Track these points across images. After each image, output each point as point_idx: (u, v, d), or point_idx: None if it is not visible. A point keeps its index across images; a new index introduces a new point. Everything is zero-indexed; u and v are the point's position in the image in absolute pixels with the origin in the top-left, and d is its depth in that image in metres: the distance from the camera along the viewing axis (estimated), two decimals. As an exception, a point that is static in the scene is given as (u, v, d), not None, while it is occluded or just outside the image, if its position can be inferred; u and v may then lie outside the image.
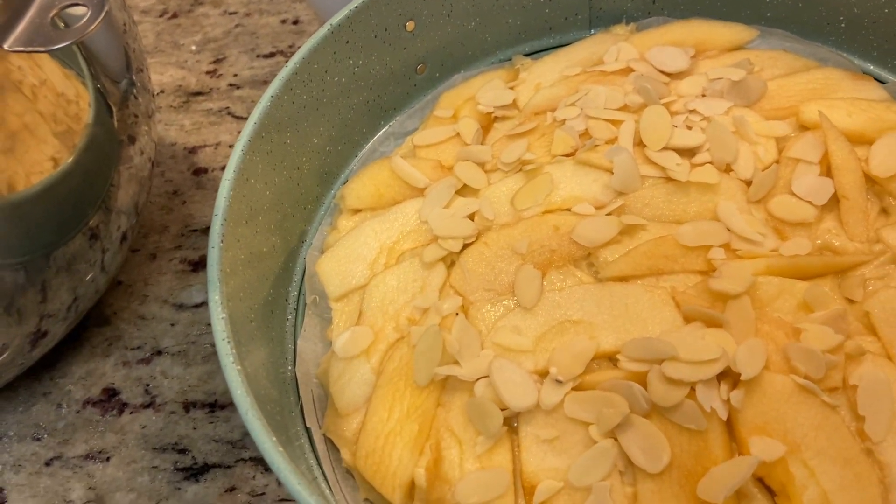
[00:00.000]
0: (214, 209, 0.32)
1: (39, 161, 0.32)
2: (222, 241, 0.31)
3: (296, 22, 0.56)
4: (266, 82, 0.52)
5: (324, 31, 0.38)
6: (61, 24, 0.28)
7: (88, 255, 0.36)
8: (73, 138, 0.33)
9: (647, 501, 0.28)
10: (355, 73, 0.41)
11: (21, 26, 0.26)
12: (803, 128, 0.37)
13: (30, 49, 0.26)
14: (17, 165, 0.31)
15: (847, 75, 0.39)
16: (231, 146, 0.49)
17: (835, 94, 0.38)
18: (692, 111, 0.38)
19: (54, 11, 0.26)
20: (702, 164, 0.35)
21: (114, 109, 0.35)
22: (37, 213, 0.33)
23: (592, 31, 0.46)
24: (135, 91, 0.36)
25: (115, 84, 0.35)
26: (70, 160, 0.33)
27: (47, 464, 0.37)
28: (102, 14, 0.26)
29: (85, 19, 0.26)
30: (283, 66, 0.36)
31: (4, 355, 0.36)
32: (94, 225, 0.36)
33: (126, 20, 0.37)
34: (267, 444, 0.25)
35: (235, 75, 0.53)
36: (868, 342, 0.29)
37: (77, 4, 0.26)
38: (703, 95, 0.39)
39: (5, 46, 0.26)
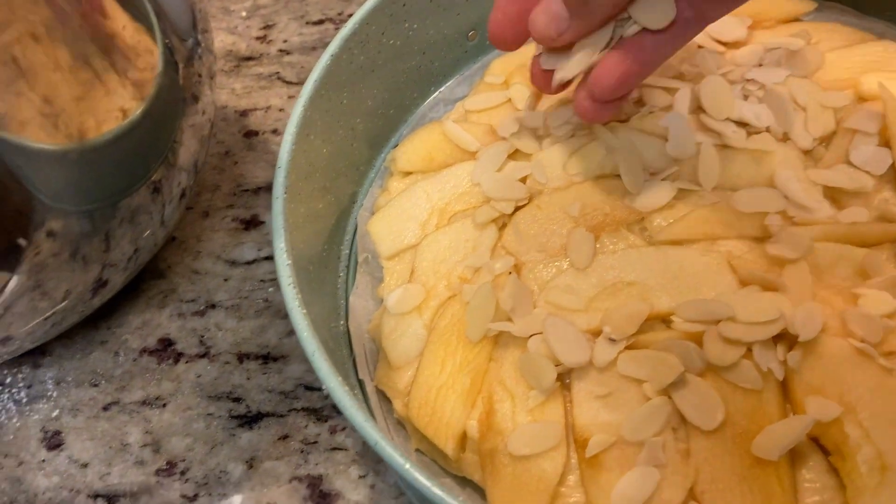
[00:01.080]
0: (278, 162, 0.32)
1: (109, 111, 0.33)
2: (286, 193, 0.32)
3: (344, -10, 0.57)
4: (315, 49, 0.53)
5: (383, -8, 0.38)
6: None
7: (150, 208, 0.37)
8: (141, 91, 0.34)
9: (701, 457, 0.28)
10: (409, 37, 0.41)
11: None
12: (861, 99, 0.36)
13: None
14: (88, 114, 0.32)
15: (906, 48, 0.38)
16: (281, 109, 0.50)
17: (893, 67, 0.38)
18: (749, 80, 0.37)
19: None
20: (758, 132, 0.35)
21: (180, 66, 0.36)
22: (105, 162, 0.34)
23: (645, 2, 0.46)
24: (199, 51, 0.37)
25: (182, 42, 0.36)
26: (138, 112, 0.34)
27: (105, 408, 0.38)
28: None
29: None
30: (333, 32, 0.36)
31: (66, 301, 0.37)
32: (157, 179, 0.37)
33: (193, -20, 0.37)
34: (333, 382, 0.26)
35: (285, 41, 0.54)
36: (925, 309, 0.29)
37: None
38: (760, 65, 0.38)
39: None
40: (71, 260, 0.35)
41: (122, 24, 0.32)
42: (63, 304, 0.37)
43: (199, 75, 0.38)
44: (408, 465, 0.24)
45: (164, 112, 0.36)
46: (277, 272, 0.29)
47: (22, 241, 0.33)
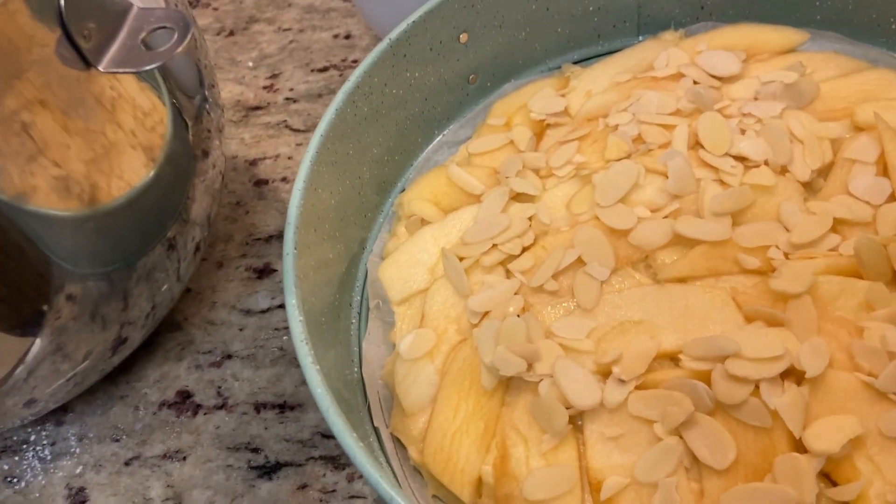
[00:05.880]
0: (287, 218, 0.33)
1: (121, 173, 0.34)
2: (296, 249, 0.33)
3: (347, 37, 0.58)
4: (321, 95, 0.54)
5: (383, 45, 0.39)
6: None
7: (166, 264, 0.38)
8: (152, 152, 0.35)
9: (714, 497, 0.28)
10: (411, 85, 0.42)
11: (114, 49, 0.28)
12: (858, 129, 0.37)
13: (122, 70, 0.28)
14: (101, 177, 0.33)
15: (901, 76, 0.39)
16: (290, 157, 0.51)
17: (888, 95, 0.38)
18: (746, 114, 0.38)
19: (144, 34, 0.28)
20: (757, 166, 0.36)
21: (189, 124, 0.37)
22: (120, 224, 0.35)
23: (641, 38, 0.47)
24: (207, 106, 0.38)
25: (190, 99, 0.37)
26: (151, 173, 0.35)
27: (127, 463, 0.39)
28: (189, 35, 0.27)
29: (172, 41, 0.28)
30: (338, 79, 0.37)
31: (87, 361, 0.38)
32: (172, 236, 0.38)
33: (197, 37, 0.39)
34: (348, 440, 0.26)
35: (291, 89, 0.55)
36: (932, 339, 0.30)
37: (164, 27, 0.28)
38: (756, 99, 0.39)
39: (100, 68, 0.28)
40: (90, 321, 0.36)
41: (127, 86, 0.33)
42: (84, 364, 0.37)
43: (209, 130, 0.39)
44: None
45: (176, 170, 0.37)
46: (290, 329, 0.30)
47: (43, 307, 0.34)
